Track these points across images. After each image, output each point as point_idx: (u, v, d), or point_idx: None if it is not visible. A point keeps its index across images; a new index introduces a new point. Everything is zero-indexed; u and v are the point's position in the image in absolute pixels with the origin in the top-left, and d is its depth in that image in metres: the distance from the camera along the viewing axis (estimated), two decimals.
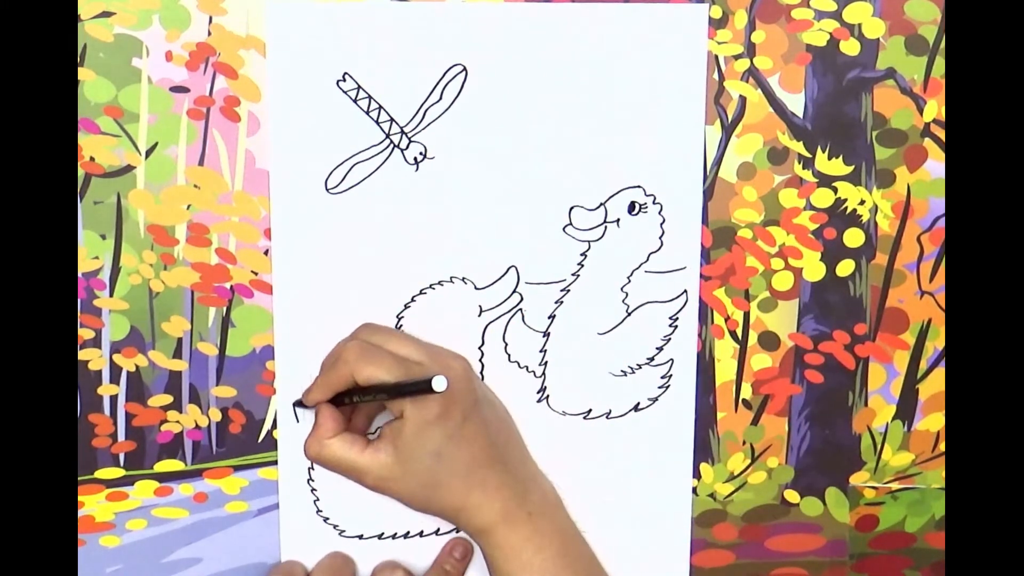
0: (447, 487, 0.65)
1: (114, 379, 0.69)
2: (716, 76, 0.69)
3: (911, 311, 0.72)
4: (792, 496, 0.74)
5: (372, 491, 0.66)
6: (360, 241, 0.68)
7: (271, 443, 0.70)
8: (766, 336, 0.72)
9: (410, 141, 0.68)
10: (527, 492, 0.67)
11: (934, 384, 0.73)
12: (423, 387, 0.61)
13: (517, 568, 0.65)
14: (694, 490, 0.73)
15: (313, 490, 0.71)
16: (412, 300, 0.69)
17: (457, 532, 0.72)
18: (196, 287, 0.68)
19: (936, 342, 0.73)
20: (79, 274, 0.67)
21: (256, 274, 0.69)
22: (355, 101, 0.67)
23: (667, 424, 0.72)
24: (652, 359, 0.71)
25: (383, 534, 0.71)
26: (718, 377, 0.72)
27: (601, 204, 0.70)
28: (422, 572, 0.72)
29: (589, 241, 0.70)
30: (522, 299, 0.70)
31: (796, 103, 0.70)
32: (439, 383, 0.60)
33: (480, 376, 0.70)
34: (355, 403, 0.66)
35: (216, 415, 0.70)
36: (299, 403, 0.69)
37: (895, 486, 0.74)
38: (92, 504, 0.70)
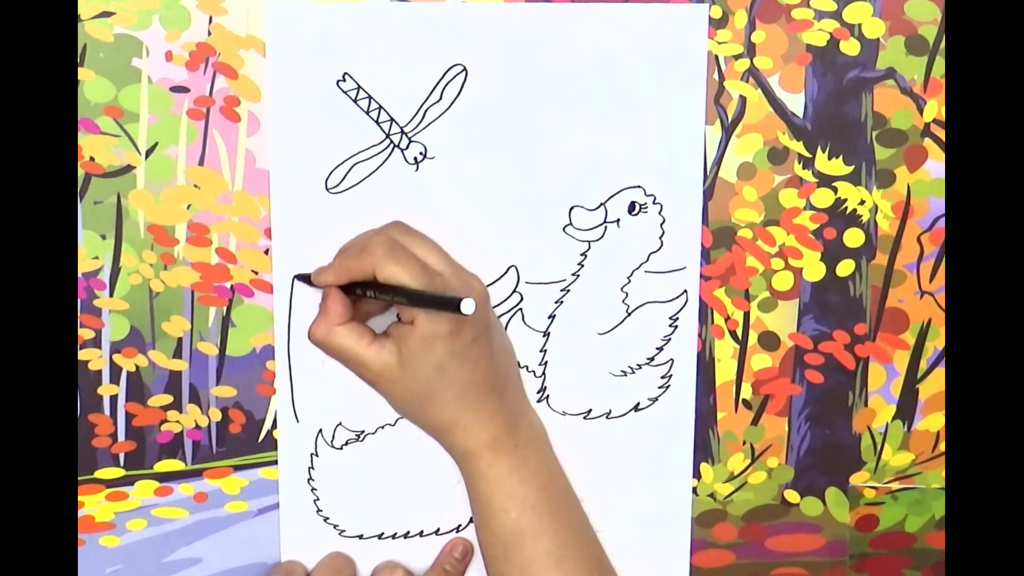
0: (441, 402, 0.65)
1: (114, 379, 0.69)
2: (716, 76, 0.69)
3: (911, 311, 0.72)
4: (792, 496, 0.74)
5: (366, 383, 0.65)
6: None
7: (271, 443, 0.70)
8: (766, 336, 0.72)
9: (410, 141, 0.68)
10: (517, 423, 0.67)
11: (934, 384, 0.73)
12: (449, 305, 0.59)
13: (500, 496, 0.66)
14: (694, 490, 0.73)
15: (313, 490, 0.71)
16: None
17: (457, 531, 0.72)
18: (196, 287, 0.68)
19: (936, 342, 0.73)
20: (79, 274, 0.67)
21: (256, 274, 0.69)
22: (355, 101, 0.67)
23: (667, 424, 0.72)
24: (652, 359, 0.71)
25: (383, 534, 0.71)
26: (718, 377, 0.72)
27: (601, 204, 0.70)
28: (422, 572, 0.72)
29: (589, 241, 0.70)
30: (522, 299, 0.70)
31: (796, 103, 0.70)
32: (468, 305, 0.59)
33: None
34: (368, 297, 0.64)
35: (216, 415, 0.70)
36: (302, 278, 0.67)
37: (895, 486, 0.74)
38: (92, 504, 0.70)
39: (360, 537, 0.71)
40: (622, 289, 0.71)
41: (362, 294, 0.64)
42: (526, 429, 0.68)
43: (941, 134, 0.71)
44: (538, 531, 0.65)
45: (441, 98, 0.68)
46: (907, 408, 0.73)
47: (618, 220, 0.70)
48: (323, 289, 0.66)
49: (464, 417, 0.65)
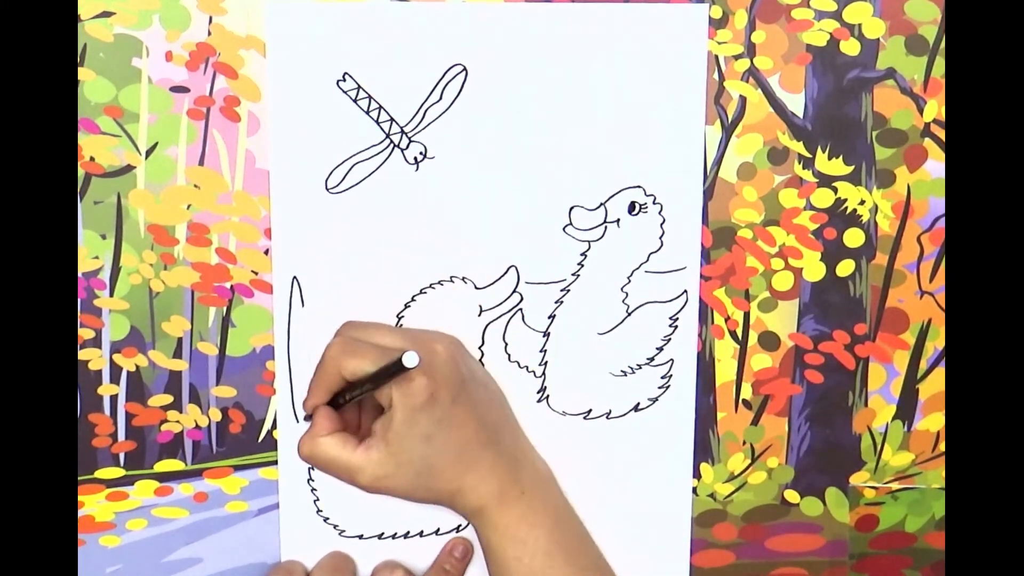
0: (441, 472, 0.65)
1: (114, 379, 0.69)
2: (716, 76, 0.69)
3: (911, 311, 0.72)
4: (792, 496, 0.74)
5: (368, 492, 0.66)
6: (360, 241, 0.69)
7: (271, 443, 0.70)
8: (766, 336, 0.72)
9: (410, 141, 0.68)
10: (520, 470, 0.67)
11: (934, 384, 0.73)
12: (397, 368, 0.61)
13: (512, 545, 0.66)
14: (694, 490, 0.73)
15: (313, 490, 0.71)
16: (412, 300, 0.69)
17: (458, 531, 0.72)
18: (196, 287, 0.68)
19: (936, 342, 0.73)
20: (79, 274, 0.67)
21: (256, 274, 0.69)
22: (355, 101, 0.67)
23: (667, 424, 0.72)
24: (652, 359, 0.72)
25: (383, 534, 0.71)
26: (718, 377, 0.72)
27: (601, 204, 0.70)
28: (422, 572, 0.72)
29: (589, 241, 0.70)
30: (522, 299, 0.70)
31: (796, 103, 0.70)
32: (409, 359, 0.60)
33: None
34: (347, 400, 0.66)
35: (216, 415, 0.70)
36: (306, 416, 0.68)
37: (895, 486, 0.74)
38: (92, 504, 0.70)
39: (360, 537, 0.71)
40: (622, 289, 0.71)
41: (344, 401, 0.66)
42: (530, 474, 0.68)
43: (941, 134, 0.71)
44: (550, 575, 0.66)
45: (441, 98, 0.68)
46: (907, 408, 0.73)
47: (618, 220, 0.70)
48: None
49: (467, 478, 0.65)
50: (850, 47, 0.70)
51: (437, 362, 0.64)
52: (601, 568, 0.69)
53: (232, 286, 0.69)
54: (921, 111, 0.71)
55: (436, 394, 0.63)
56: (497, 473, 0.66)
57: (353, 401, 0.66)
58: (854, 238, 0.71)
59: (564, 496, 0.70)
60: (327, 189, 0.68)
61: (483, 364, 0.70)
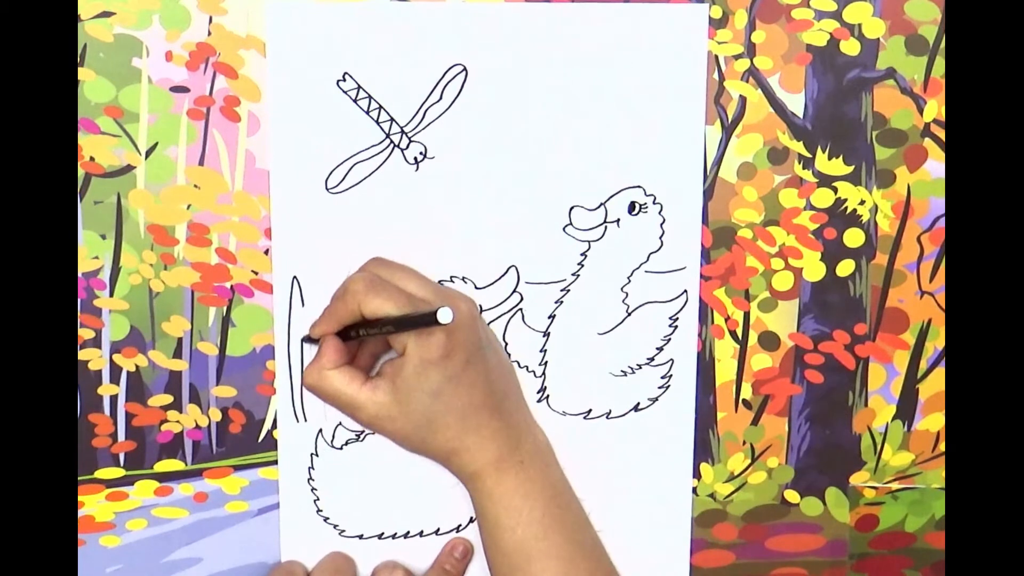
0: (442, 429, 0.65)
1: (114, 379, 0.69)
2: (716, 76, 0.69)
3: (911, 311, 0.72)
4: (792, 496, 0.74)
5: (366, 428, 0.66)
6: (360, 241, 0.68)
7: (271, 443, 0.70)
8: (766, 336, 0.72)
9: (410, 141, 0.68)
10: (520, 440, 0.67)
11: (934, 384, 0.73)
12: (428, 319, 0.60)
13: (506, 514, 0.66)
14: (694, 490, 0.73)
15: (313, 490, 0.71)
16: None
17: (457, 531, 0.72)
18: (196, 287, 0.68)
19: (936, 342, 0.73)
20: (79, 274, 0.67)
21: (256, 274, 0.69)
22: (355, 101, 0.67)
23: (667, 424, 0.72)
24: (652, 359, 0.71)
25: (383, 534, 0.71)
26: (718, 377, 0.72)
27: (601, 204, 0.70)
28: (422, 572, 0.72)
29: (589, 241, 0.70)
30: (522, 299, 0.70)
31: (796, 103, 0.70)
32: (444, 315, 0.59)
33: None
34: (361, 337, 0.65)
35: (216, 415, 0.70)
36: (307, 338, 0.68)
37: (895, 486, 0.74)
38: (92, 504, 0.70)
39: (360, 537, 0.71)
40: (622, 289, 0.71)
41: (355, 336, 0.65)
42: (530, 446, 0.68)
43: (941, 134, 0.71)
44: (544, 548, 0.65)
45: (441, 98, 0.68)
46: (907, 408, 0.73)
47: (618, 220, 0.70)
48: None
49: (467, 440, 0.65)
50: (850, 47, 0.70)
51: (458, 321, 0.63)
52: (596, 547, 0.69)
53: (232, 286, 0.69)
54: (921, 111, 0.71)
55: (452, 352, 0.63)
56: (498, 440, 0.66)
57: (364, 337, 0.65)
58: (854, 238, 0.71)
59: (562, 472, 0.70)
60: (327, 189, 0.68)
61: None
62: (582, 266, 0.70)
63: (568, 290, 0.70)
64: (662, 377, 0.72)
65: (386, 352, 0.68)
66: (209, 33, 0.66)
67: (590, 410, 0.72)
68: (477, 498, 0.67)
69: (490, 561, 0.67)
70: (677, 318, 0.71)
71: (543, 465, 0.68)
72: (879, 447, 0.74)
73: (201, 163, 0.67)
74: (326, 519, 0.71)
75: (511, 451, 0.66)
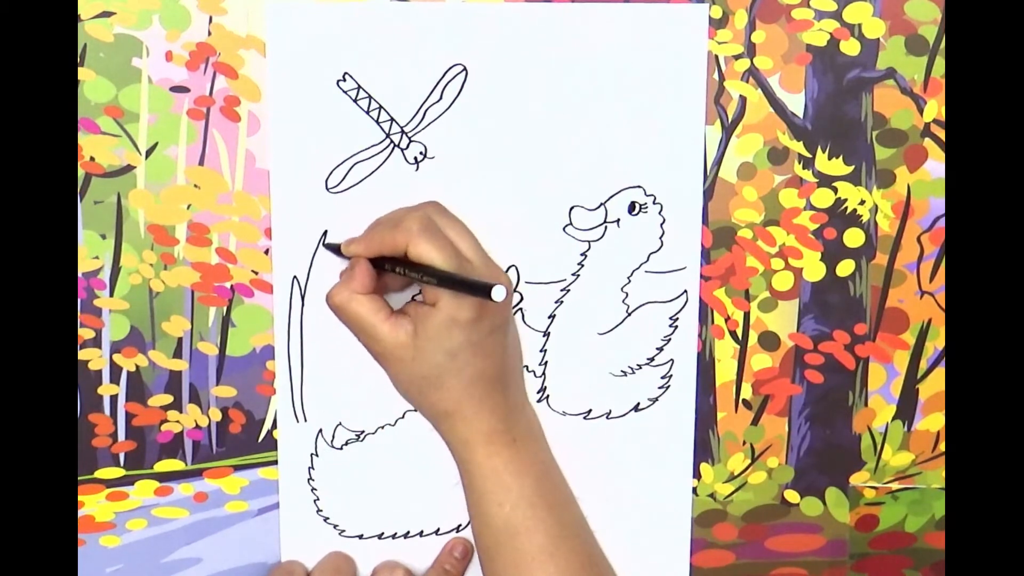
0: (447, 388, 0.65)
1: (114, 379, 0.69)
2: (716, 76, 0.69)
3: (911, 311, 0.72)
4: (792, 496, 0.74)
5: (373, 358, 0.66)
6: None
7: (271, 443, 0.70)
8: (766, 336, 0.72)
9: (410, 141, 0.68)
10: (516, 419, 0.67)
11: (934, 384, 0.73)
12: (481, 290, 0.60)
13: (494, 489, 0.66)
14: (694, 490, 0.73)
15: (313, 490, 0.71)
16: (412, 300, 0.69)
17: (457, 531, 0.72)
18: (196, 287, 0.68)
19: (936, 342, 0.73)
20: (79, 274, 0.67)
21: (256, 274, 0.69)
22: (355, 101, 0.67)
23: (667, 424, 0.72)
24: (652, 359, 0.71)
25: (383, 534, 0.71)
26: (718, 377, 0.72)
27: (601, 204, 0.70)
28: (422, 572, 0.72)
29: (589, 241, 0.70)
30: (522, 299, 0.70)
31: (796, 103, 0.70)
32: (499, 292, 0.59)
33: None
34: (397, 273, 0.64)
35: (216, 415, 0.70)
36: (332, 247, 0.67)
37: (895, 486, 0.74)
38: (92, 504, 0.70)
39: (360, 537, 0.71)
40: (622, 289, 0.71)
41: (390, 269, 0.64)
42: (524, 425, 0.68)
43: (941, 134, 0.71)
44: (531, 525, 0.65)
45: (441, 98, 0.68)
46: (907, 408, 0.73)
47: (618, 220, 0.70)
48: (351, 259, 0.66)
49: (466, 407, 0.65)
50: (850, 47, 0.70)
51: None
52: (582, 526, 0.69)
53: (232, 286, 0.69)
54: (921, 111, 0.71)
55: (481, 318, 0.63)
56: (495, 414, 0.66)
57: (398, 274, 0.64)
58: (854, 238, 0.71)
59: (551, 452, 0.70)
60: (327, 189, 0.68)
61: None
62: (582, 266, 0.70)
63: (568, 290, 0.70)
64: (662, 377, 0.72)
65: (401, 289, 0.68)
66: (209, 33, 0.66)
67: (590, 410, 0.72)
68: (466, 469, 0.67)
69: (476, 535, 0.67)
70: (677, 318, 0.71)
71: (534, 444, 0.68)
72: (879, 447, 0.74)
73: (201, 163, 0.67)
74: (326, 519, 0.71)
75: (506, 427, 0.66)
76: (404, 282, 0.67)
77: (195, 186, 0.68)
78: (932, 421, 0.74)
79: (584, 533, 0.69)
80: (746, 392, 0.73)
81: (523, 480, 0.66)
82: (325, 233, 0.68)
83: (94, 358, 0.68)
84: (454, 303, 0.63)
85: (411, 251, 0.63)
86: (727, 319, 0.72)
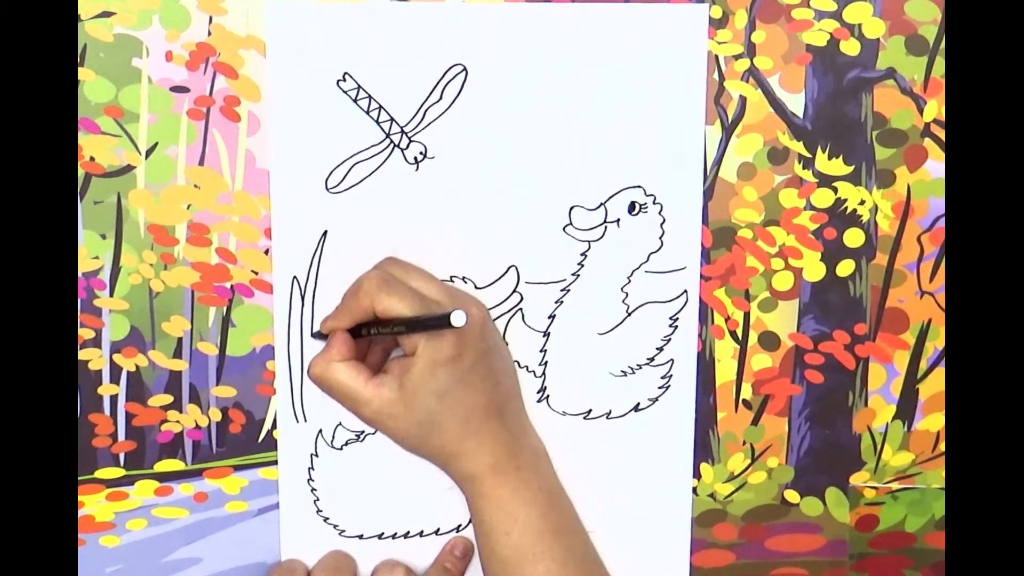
0: (444, 430, 0.65)
1: (114, 379, 0.69)
2: (716, 76, 0.69)
3: (911, 311, 0.72)
4: (792, 496, 0.74)
5: (367, 424, 0.66)
6: (360, 241, 0.68)
7: (271, 443, 0.70)
8: (766, 336, 0.72)
9: (410, 141, 0.68)
10: (519, 446, 0.67)
11: (934, 384, 0.73)
12: (442, 322, 0.60)
13: (501, 518, 0.66)
14: (694, 490, 0.73)
15: (313, 490, 0.71)
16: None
17: (458, 531, 0.72)
18: (196, 287, 0.68)
19: (936, 342, 0.73)
20: (79, 274, 0.67)
21: (256, 274, 0.69)
22: (355, 101, 0.67)
23: (667, 424, 0.72)
24: (652, 359, 0.71)
25: (383, 534, 0.71)
26: (718, 377, 0.72)
27: (601, 204, 0.70)
28: (422, 572, 0.72)
29: (589, 241, 0.70)
30: (522, 299, 0.70)
31: (796, 103, 0.70)
32: (458, 318, 0.59)
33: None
34: (372, 335, 0.65)
35: (216, 415, 0.70)
36: (317, 334, 0.68)
37: (895, 486, 0.74)
38: (92, 504, 0.70)
39: (360, 537, 0.71)
40: (622, 289, 0.71)
41: (367, 334, 0.65)
42: (528, 451, 0.68)
43: (941, 134, 0.71)
44: (539, 553, 0.65)
45: (441, 98, 0.68)
46: (907, 408, 0.73)
47: (618, 220, 0.70)
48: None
49: (467, 443, 0.65)
50: (850, 47, 0.70)
51: (469, 323, 0.63)
52: (589, 553, 0.69)
53: (232, 286, 0.69)
54: (921, 111, 0.71)
55: (462, 354, 0.63)
56: (497, 444, 0.66)
57: (377, 337, 0.65)
58: (854, 238, 0.71)
59: (558, 478, 0.70)
60: (327, 189, 0.68)
61: None
62: (582, 266, 0.70)
63: (568, 290, 0.70)
64: (662, 377, 0.72)
65: (394, 351, 0.68)
66: (209, 33, 0.66)
67: (590, 410, 0.72)
68: (473, 501, 0.67)
69: (484, 565, 0.67)
70: (677, 318, 0.71)
71: (540, 471, 0.68)
72: (879, 447, 0.74)
73: (201, 163, 0.67)
74: (326, 519, 0.71)
75: (510, 456, 0.66)
76: (391, 345, 0.68)
77: (195, 186, 0.68)
78: (932, 421, 0.74)
79: (591, 560, 0.69)
80: (746, 392, 0.73)
81: (529, 508, 0.66)
82: (325, 234, 0.68)
83: (94, 358, 0.68)
84: (431, 346, 0.63)
85: (376, 308, 0.64)
86: (727, 319, 0.72)
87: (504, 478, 0.66)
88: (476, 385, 0.65)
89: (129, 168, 0.67)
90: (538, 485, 0.67)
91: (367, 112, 0.68)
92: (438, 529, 0.72)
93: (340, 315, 0.66)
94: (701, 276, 0.71)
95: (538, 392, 0.71)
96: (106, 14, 0.66)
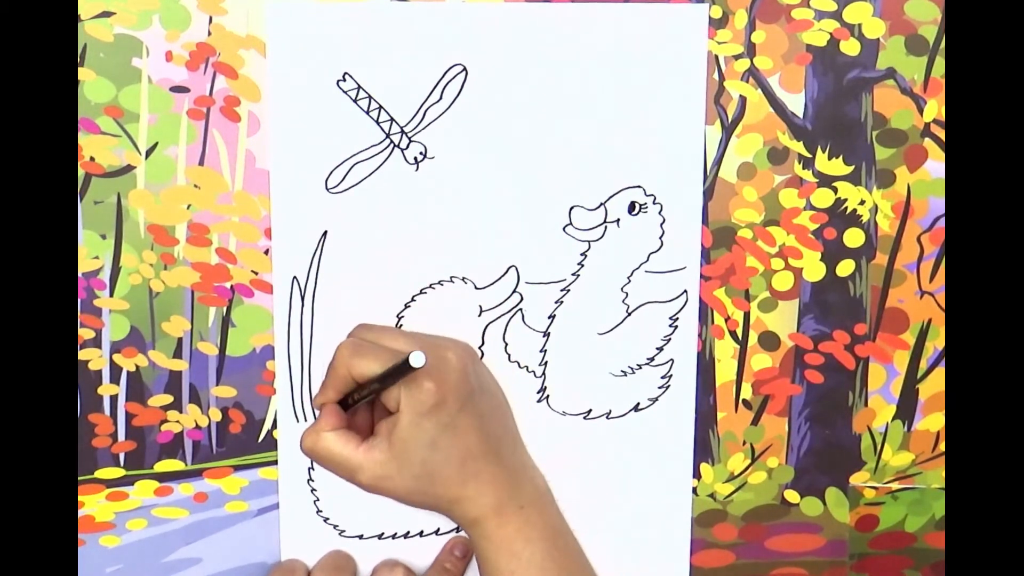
0: (442, 478, 0.65)
1: (114, 379, 0.69)
2: (716, 76, 0.69)
3: (911, 311, 0.72)
4: (792, 496, 0.74)
5: (367, 491, 0.66)
6: (360, 241, 0.69)
7: (271, 443, 0.70)
8: (766, 336, 0.72)
9: (410, 141, 0.68)
10: (519, 484, 0.67)
11: (934, 384, 0.73)
12: (403, 368, 0.61)
13: (506, 559, 0.65)
14: (694, 490, 0.73)
15: (313, 490, 0.71)
16: (412, 300, 0.69)
17: (458, 531, 0.72)
18: (196, 287, 0.68)
19: (936, 342, 0.73)
20: (79, 274, 0.67)
21: (256, 274, 0.69)
22: (355, 101, 0.67)
23: (667, 424, 0.72)
24: (652, 359, 0.72)
25: (383, 534, 0.71)
26: (718, 377, 0.72)
27: (601, 204, 0.70)
28: (422, 572, 0.72)
29: (589, 241, 0.70)
30: (522, 299, 0.70)
31: (796, 103, 0.70)
32: (416, 358, 0.60)
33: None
34: (355, 401, 0.66)
35: (216, 415, 0.70)
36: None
37: (895, 486, 0.74)
38: (92, 504, 0.70)
39: (360, 537, 0.71)
40: (622, 289, 0.71)
41: (352, 402, 0.66)
42: (530, 489, 0.68)
43: (941, 134, 0.71)
44: None
45: (441, 98, 0.68)
46: (907, 408, 0.73)
47: (618, 220, 0.70)
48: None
49: (467, 487, 0.65)
50: (850, 47, 0.70)
51: (447, 368, 0.64)
52: None
53: (232, 286, 0.69)
54: (921, 111, 0.71)
55: (444, 400, 0.63)
56: (497, 485, 0.66)
57: (361, 402, 0.66)
58: (854, 238, 0.72)
59: (561, 513, 0.70)
60: (327, 189, 0.68)
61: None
62: (582, 266, 0.70)
63: (568, 290, 0.70)
64: (662, 377, 0.72)
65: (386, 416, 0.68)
66: (209, 33, 0.66)
67: (590, 410, 0.72)
68: (478, 543, 0.66)
69: None
70: (677, 318, 0.71)
71: (543, 508, 0.68)
72: (879, 447, 0.74)
73: (201, 163, 0.67)
74: (326, 519, 0.71)
75: (510, 496, 0.66)
76: (383, 410, 0.67)
77: (195, 186, 0.68)
78: (932, 421, 0.74)
79: None
80: (746, 392, 0.73)
81: (533, 547, 0.66)
82: (325, 234, 0.68)
83: (94, 358, 0.68)
84: (412, 398, 0.63)
85: (352, 374, 0.65)
86: (727, 319, 0.72)
87: (507, 518, 0.66)
88: (464, 429, 0.64)
89: (129, 168, 0.67)
90: (542, 523, 0.67)
91: (367, 112, 0.68)
92: (438, 529, 0.72)
93: (325, 390, 0.66)
94: (701, 276, 0.71)
95: (538, 392, 0.71)
96: (106, 14, 0.66)
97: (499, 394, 0.69)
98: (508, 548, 0.66)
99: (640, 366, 0.72)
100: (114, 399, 0.69)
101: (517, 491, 0.67)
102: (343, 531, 0.71)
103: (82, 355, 0.68)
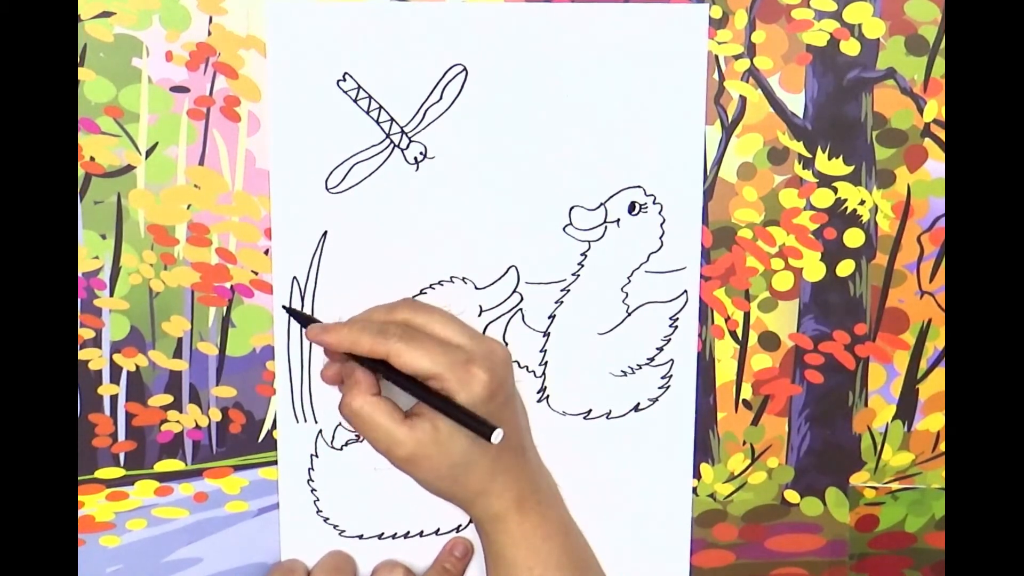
0: (476, 469, 0.64)
1: (114, 379, 0.69)
2: (716, 76, 0.69)
3: (911, 311, 0.72)
4: (792, 496, 0.74)
5: (396, 466, 0.64)
6: (360, 241, 0.68)
7: (271, 443, 0.70)
8: (766, 336, 0.72)
9: (410, 141, 0.68)
10: (538, 481, 0.68)
11: (934, 384, 0.73)
12: (481, 430, 0.61)
13: (525, 554, 0.66)
14: (694, 490, 0.73)
15: (313, 490, 0.71)
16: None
17: (457, 531, 0.72)
18: (196, 287, 0.68)
19: (936, 342, 0.73)
20: (79, 274, 0.67)
21: (256, 274, 0.69)
22: (355, 101, 0.67)
23: (667, 424, 0.72)
24: (652, 359, 0.71)
25: (383, 534, 0.71)
26: (718, 377, 0.72)
27: (601, 204, 0.70)
28: (422, 572, 0.72)
29: (589, 241, 0.70)
30: (522, 299, 0.70)
31: (796, 103, 0.70)
32: (497, 436, 0.60)
33: None
34: (392, 381, 0.64)
35: (216, 415, 0.70)
36: (297, 315, 0.67)
37: (895, 486, 0.74)
38: (92, 504, 0.70)
39: (360, 537, 0.71)
40: (622, 289, 0.71)
41: (384, 375, 0.64)
42: (545, 486, 0.68)
43: (941, 134, 0.71)
44: None
45: (441, 98, 0.68)
46: (907, 408, 0.73)
47: (618, 220, 0.70)
48: (329, 354, 0.66)
49: (498, 480, 0.65)
50: (850, 47, 0.70)
51: (497, 361, 0.64)
52: None
53: (232, 286, 0.69)
54: (921, 111, 0.71)
55: (495, 393, 0.63)
56: (521, 480, 0.66)
57: (389, 380, 0.64)
58: (854, 238, 0.71)
59: (570, 514, 0.70)
60: (327, 189, 0.68)
61: None
62: (582, 266, 0.70)
63: (568, 290, 0.70)
64: (662, 377, 0.72)
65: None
66: (209, 33, 0.66)
67: (590, 410, 0.72)
68: (496, 539, 0.66)
69: None
70: (677, 318, 0.71)
71: (556, 505, 0.69)
72: (879, 447, 0.74)
73: (201, 163, 0.67)
74: (326, 519, 0.71)
75: (531, 491, 0.66)
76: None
77: (195, 186, 0.68)
78: (932, 421, 0.74)
79: None
80: (746, 392, 0.73)
81: (551, 542, 0.66)
82: (325, 234, 0.68)
83: (94, 358, 0.68)
84: (465, 388, 0.62)
85: (394, 361, 0.63)
86: (727, 319, 0.72)
87: (527, 515, 0.66)
88: (505, 421, 0.64)
89: (129, 168, 0.67)
90: (557, 519, 0.67)
91: (367, 112, 0.68)
92: (438, 529, 0.72)
93: (352, 343, 0.64)
94: (701, 276, 0.71)
95: (538, 392, 0.71)
96: (106, 14, 0.66)
97: (519, 392, 0.70)
98: (528, 543, 0.66)
99: (640, 366, 0.72)
100: (114, 399, 0.69)
101: (536, 487, 0.67)
102: (343, 531, 0.71)
103: (82, 355, 0.68)
